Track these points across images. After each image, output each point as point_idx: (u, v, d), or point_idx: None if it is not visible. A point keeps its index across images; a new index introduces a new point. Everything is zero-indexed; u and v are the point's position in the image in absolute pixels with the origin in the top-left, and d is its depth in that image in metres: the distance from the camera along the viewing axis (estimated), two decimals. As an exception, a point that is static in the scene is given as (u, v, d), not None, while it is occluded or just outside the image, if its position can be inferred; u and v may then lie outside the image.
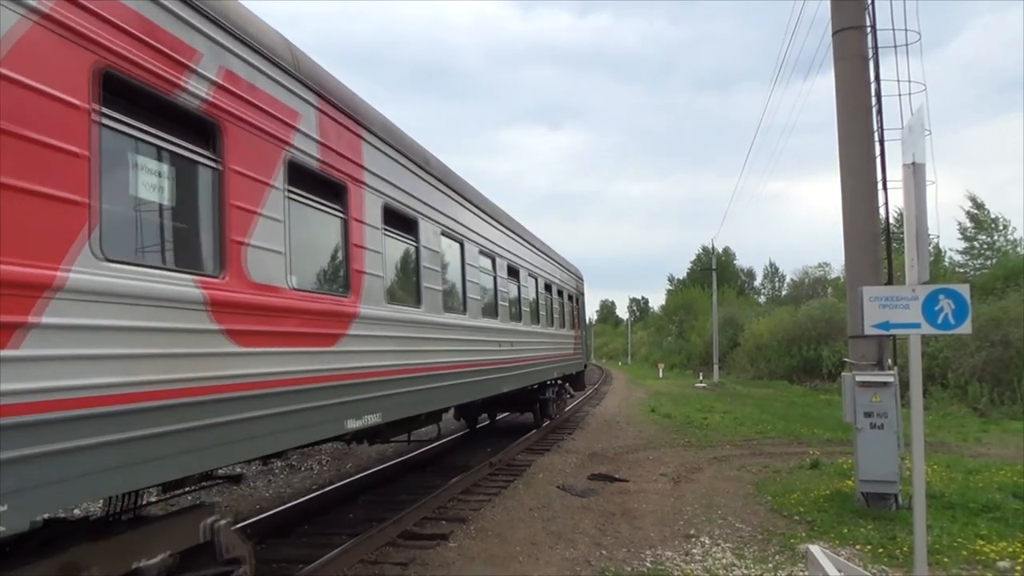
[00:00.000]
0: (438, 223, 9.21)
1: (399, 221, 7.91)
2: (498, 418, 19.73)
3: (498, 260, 12.38)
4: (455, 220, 9.97)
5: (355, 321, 6.51)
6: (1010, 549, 7.97)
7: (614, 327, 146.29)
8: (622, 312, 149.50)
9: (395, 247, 7.89)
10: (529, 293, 14.99)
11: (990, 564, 7.58)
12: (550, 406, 18.68)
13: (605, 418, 22.92)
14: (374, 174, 7.15)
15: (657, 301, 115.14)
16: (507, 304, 12.82)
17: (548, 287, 17.22)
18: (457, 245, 10.19)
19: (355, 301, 6.59)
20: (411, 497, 10.18)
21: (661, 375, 53.32)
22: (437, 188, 9.18)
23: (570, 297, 20.83)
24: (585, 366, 24.20)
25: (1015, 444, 16.43)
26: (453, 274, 10.02)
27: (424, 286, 8.49)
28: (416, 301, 8.33)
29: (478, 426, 18.36)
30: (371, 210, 7.06)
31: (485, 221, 11.70)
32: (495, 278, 12.18)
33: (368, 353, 6.78)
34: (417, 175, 8.46)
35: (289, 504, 9.75)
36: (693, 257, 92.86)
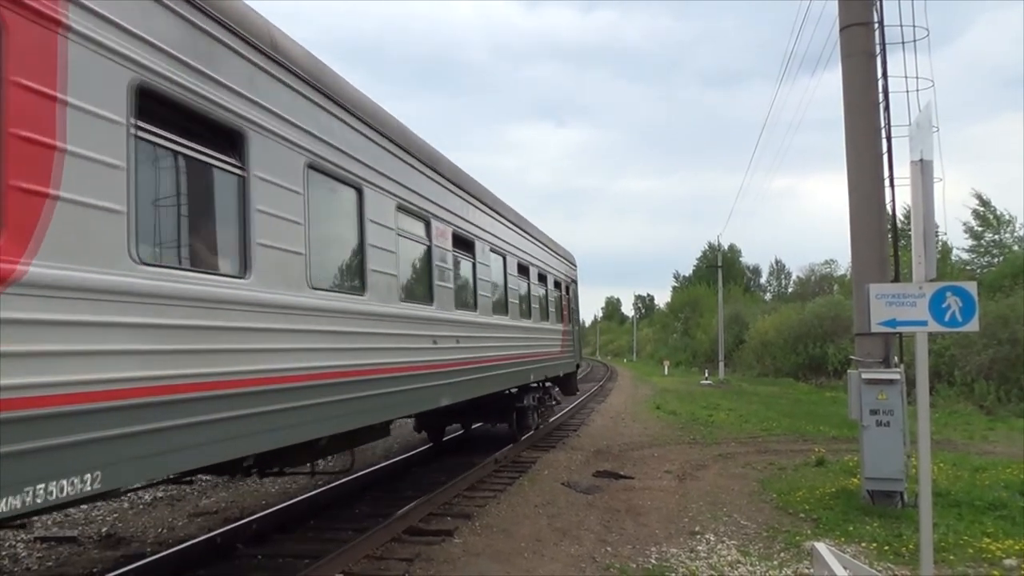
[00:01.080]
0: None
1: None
2: (474, 427, 16.10)
3: (436, 224, 9.19)
4: (341, 150, 6.67)
5: None
6: (1016, 547, 7.94)
7: (619, 324, 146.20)
8: (627, 309, 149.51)
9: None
10: (491, 274, 11.73)
11: (996, 562, 7.56)
12: (529, 416, 15.29)
13: (610, 415, 22.92)
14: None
15: (663, 298, 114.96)
16: (450, 287, 9.59)
17: (523, 269, 13.98)
18: (352, 192, 6.91)
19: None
20: (416, 493, 10.20)
21: (666, 372, 53.26)
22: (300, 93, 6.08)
23: (557, 284, 17.42)
24: (577, 366, 20.78)
25: (1022, 442, 16.37)
26: (340, 235, 6.89)
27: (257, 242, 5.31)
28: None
29: (446, 439, 15.21)
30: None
31: (409, 165, 8.33)
32: (431, 249, 9.01)
33: None
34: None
35: (295, 500, 9.78)
36: (699, 254, 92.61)
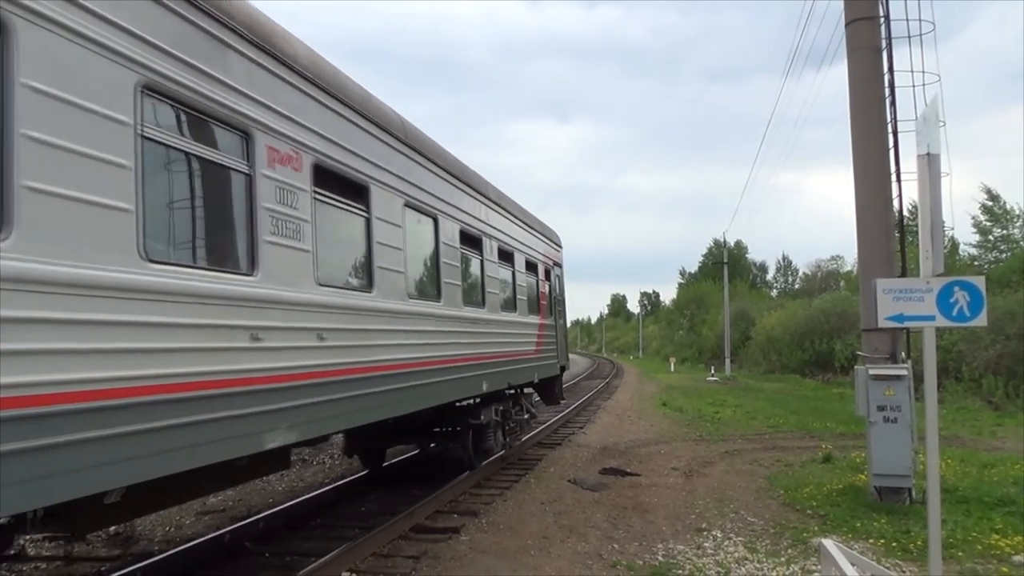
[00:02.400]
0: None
1: None
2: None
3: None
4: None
5: None
6: (1025, 543, 7.91)
7: (625, 321, 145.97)
8: (633, 306, 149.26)
9: None
10: (402, 239, 7.90)
11: (1005, 558, 7.53)
12: (490, 436, 11.53)
13: (616, 412, 22.90)
14: None
15: (668, 295, 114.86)
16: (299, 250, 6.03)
17: (471, 240, 10.36)
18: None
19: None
20: (423, 491, 10.21)
21: (672, 369, 53.18)
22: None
23: (530, 267, 13.68)
24: (562, 369, 16.35)
25: (1030, 438, 16.29)
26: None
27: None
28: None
29: (386, 464, 12.11)
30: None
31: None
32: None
33: None
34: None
35: (302, 498, 9.80)
36: (705, 250, 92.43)
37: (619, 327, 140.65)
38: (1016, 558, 7.51)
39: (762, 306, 58.54)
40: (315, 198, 6.13)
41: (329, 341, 6.11)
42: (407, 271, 7.97)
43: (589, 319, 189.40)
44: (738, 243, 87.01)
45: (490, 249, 11.12)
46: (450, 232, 9.46)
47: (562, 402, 18.43)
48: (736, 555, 7.76)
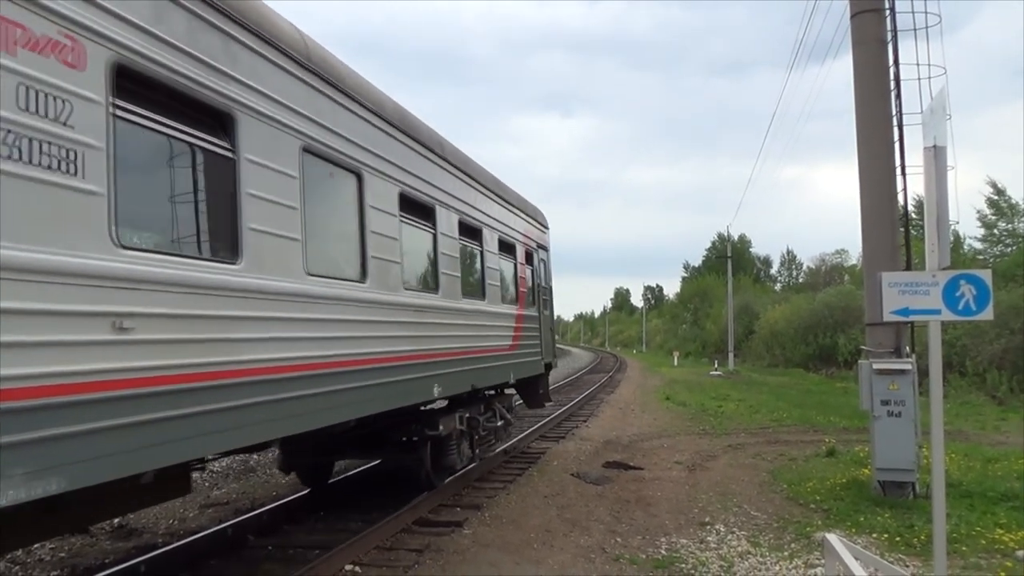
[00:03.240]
0: None
1: None
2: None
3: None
4: None
5: None
6: (1030, 538, 7.89)
7: (629, 315, 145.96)
8: (637, 300, 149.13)
9: None
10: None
11: (1009, 553, 7.51)
12: (453, 449, 9.58)
13: (620, 405, 22.90)
14: None
15: (672, 289, 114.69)
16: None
17: (424, 211, 8.45)
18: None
19: None
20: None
21: (676, 363, 53.21)
22: None
23: (507, 248, 11.52)
24: (548, 367, 14.25)
25: (1035, 432, 16.26)
26: None
27: None
28: None
29: (332, 481, 10.32)
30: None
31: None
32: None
33: None
34: None
35: (305, 491, 9.81)
36: (708, 244, 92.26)
37: (622, 321, 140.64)
38: (1020, 553, 7.49)
39: (766, 300, 58.47)
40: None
41: (137, 333, 4.10)
42: (306, 239, 5.77)
43: (592, 313, 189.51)
44: (742, 237, 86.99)
45: (447, 222, 8.93)
46: (383, 194, 7.20)
47: (548, 404, 15.77)
48: (739, 549, 7.76)
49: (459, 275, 9.24)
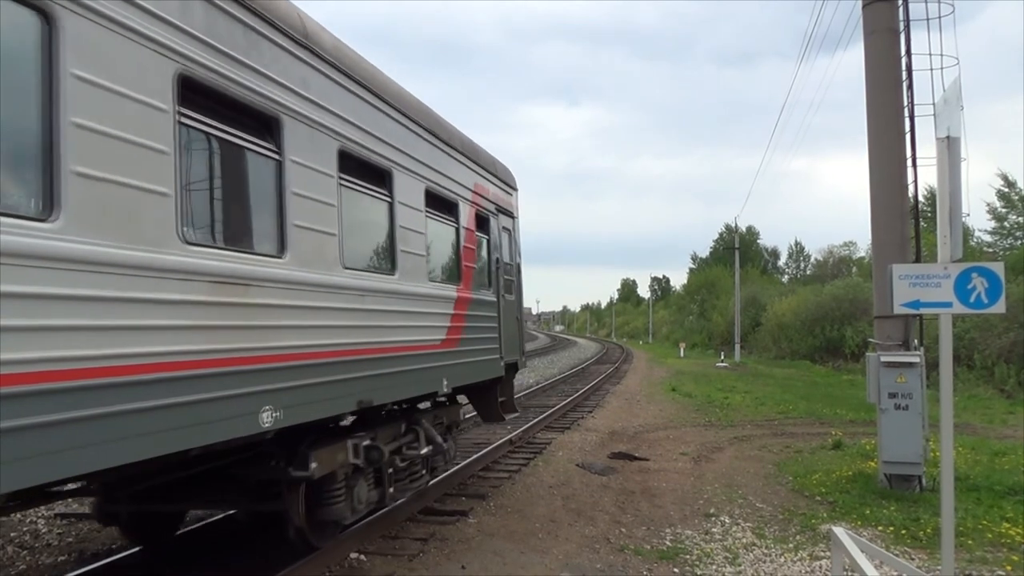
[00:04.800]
0: None
1: None
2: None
3: None
4: None
5: None
6: (1037, 532, 7.86)
7: (635, 306, 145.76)
8: (643, 291, 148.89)
9: None
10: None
11: (1015, 547, 7.48)
12: (336, 496, 6.50)
13: (626, 396, 22.89)
14: None
15: (679, 280, 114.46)
16: None
17: (252, 124, 5.11)
18: None
19: None
20: (431, 473, 10.22)
21: (682, 354, 53.09)
22: None
23: (447, 207, 8.59)
24: (514, 368, 11.04)
25: (1043, 426, 16.19)
26: None
27: None
28: None
29: (182, 532, 7.62)
30: None
31: None
32: None
33: None
34: None
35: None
36: (716, 236, 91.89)
37: (629, 312, 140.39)
38: (1027, 547, 7.46)
39: (773, 292, 58.26)
40: None
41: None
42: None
43: (599, 304, 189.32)
44: (750, 228, 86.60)
45: (310, 146, 5.62)
46: (147, 79, 4.10)
47: (512, 416, 11.46)
48: (744, 541, 7.75)
49: (333, 233, 5.87)
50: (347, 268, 6.06)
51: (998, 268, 5.28)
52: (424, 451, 7.99)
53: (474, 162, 9.49)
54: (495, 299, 10.03)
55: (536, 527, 8.23)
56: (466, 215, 9.07)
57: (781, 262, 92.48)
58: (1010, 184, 38.53)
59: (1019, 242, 37.55)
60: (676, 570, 6.93)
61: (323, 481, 6.26)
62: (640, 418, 17.72)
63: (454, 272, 8.69)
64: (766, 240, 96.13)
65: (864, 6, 10.93)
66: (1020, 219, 38.48)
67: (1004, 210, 38.85)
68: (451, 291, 8.41)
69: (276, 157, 5.22)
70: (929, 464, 9.84)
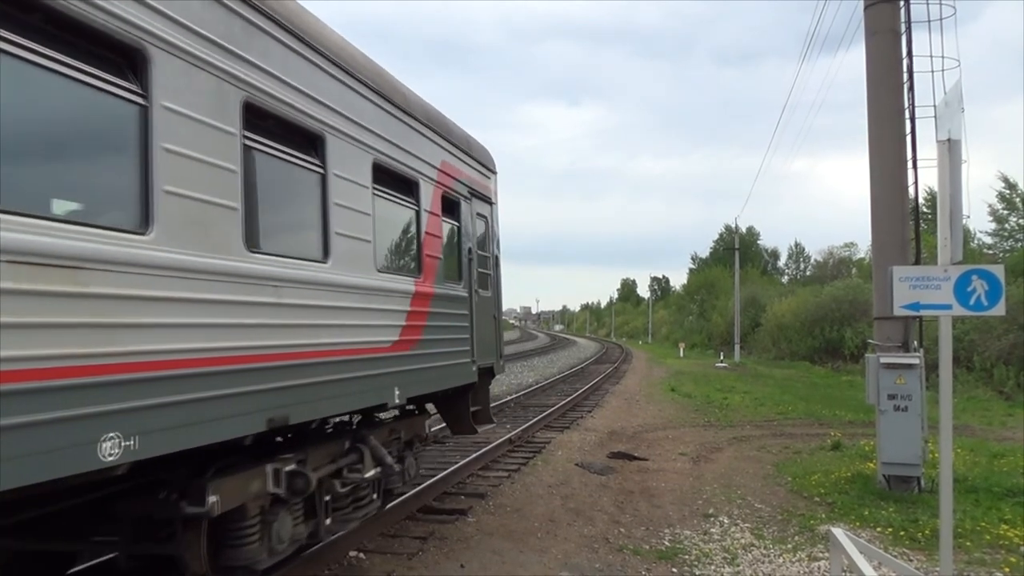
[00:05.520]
0: None
1: None
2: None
3: None
4: None
5: None
6: (1035, 534, 7.87)
7: (635, 306, 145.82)
8: (643, 291, 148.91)
9: None
10: None
11: (1014, 549, 7.49)
12: (250, 534, 5.14)
13: (625, 396, 22.90)
14: None
15: (679, 280, 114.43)
16: None
17: (121, 59, 3.83)
18: None
19: None
20: (430, 471, 10.24)
21: (682, 354, 53.11)
22: None
23: (394, 182, 7.02)
24: (490, 374, 9.76)
25: (1042, 429, 16.20)
26: None
27: None
28: None
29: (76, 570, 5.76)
30: None
31: None
32: None
33: None
34: None
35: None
36: (716, 236, 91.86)
37: (629, 312, 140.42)
38: (1025, 549, 7.47)
39: (773, 292, 58.28)
40: None
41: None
42: None
43: (599, 303, 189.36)
44: (750, 229, 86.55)
45: (202, 97, 4.43)
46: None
47: (486, 427, 9.98)
48: (743, 541, 7.76)
49: (232, 207, 4.60)
50: (254, 252, 4.71)
51: (998, 271, 5.29)
52: (369, 474, 6.65)
53: (442, 137, 8.20)
54: (466, 295, 8.72)
55: (535, 526, 8.24)
56: (429, 197, 7.73)
57: (781, 263, 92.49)
58: (1011, 186, 38.54)
59: (1019, 244, 37.59)
60: (675, 570, 6.94)
61: (231, 517, 4.99)
62: (639, 418, 17.73)
63: (412, 262, 7.39)
64: (766, 241, 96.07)
65: (866, 7, 10.94)
66: (1021, 221, 38.51)
67: (1005, 212, 38.89)
68: (407, 284, 7.05)
69: (142, 102, 3.90)
70: (928, 465, 9.85)
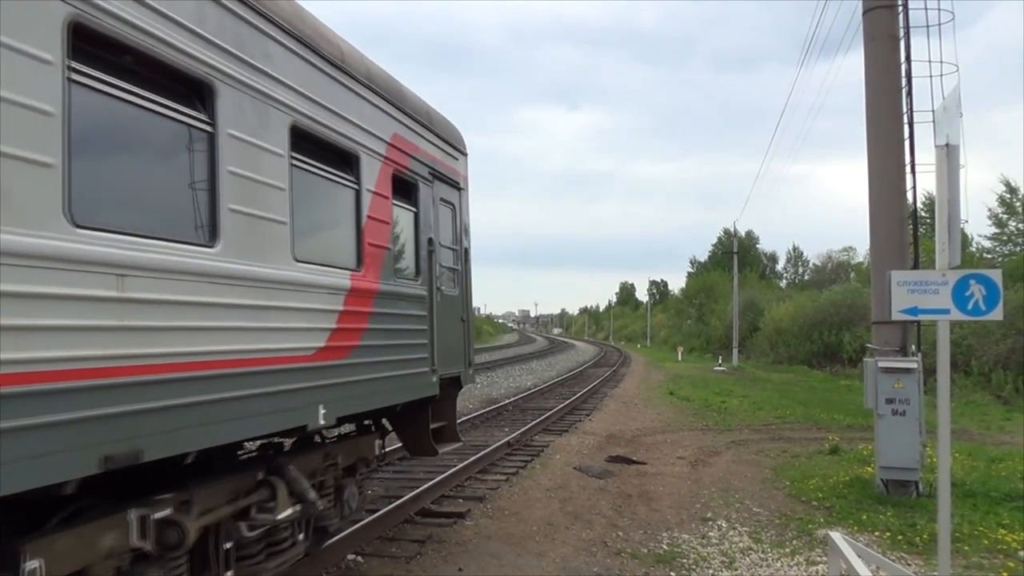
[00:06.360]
0: None
1: None
2: None
3: None
4: None
5: None
6: (1033, 539, 7.88)
7: (633, 310, 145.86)
8: (641, 295, 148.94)
9: None
10: None
11: (1011, 553, 7.50)
12: None
13: (623, 400, 22.89)
14: None
15: (677, 284, 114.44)
16: None
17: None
18: None
19: None
20: (428, 475, 10.24)
21: (680, 358, 53.12)
22: None
23: (326, 154, 5.78)
24: (456, 384, 8.48)
25: (1039, 433, 16.21)
26: None
27: None
28: None
29: None
30: None
31: None
32: None
33: None
34: None
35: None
36: (715, 240, 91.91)
37: (627, 315, 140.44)
38: (1022, 553, 7.48)
39: (771, 297, 58.32)
40: None
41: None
42: None
43: (597, 307, 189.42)
44: (749, 233, 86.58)
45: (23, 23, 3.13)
46: None
47: (450, 448, 8.54)
48: (741, 545, 7.76)
49: (46, 163, 3.28)
50: (81, 228, 3.42)
51: (996, 275, 5.31)
52: (282, 515, 5.26)
53: (393, 105, 6.87)
54: (425, 293, 7.42)
55: (533, 530, 8.24)
56: (375, 175, 6.47)
57: (779, 267, 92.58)
58: (1012, 190, 38.60)
59: (1019, 248, 37.66)
60: (673, 574, 6.94)
61: None
62: (638, 422, 17.72)
63: (347, 252, 6.10)
64: (765, 245, 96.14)
65: (864, 12, 10.98)
66: (1020, 225, 38.57)
67: (1005, 216, 38.95)
68: (340, 279, 5.80)
69: None
70: (926, 470, 9.86)
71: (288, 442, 6.04)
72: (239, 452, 5.55)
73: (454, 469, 10.48)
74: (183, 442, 4.09)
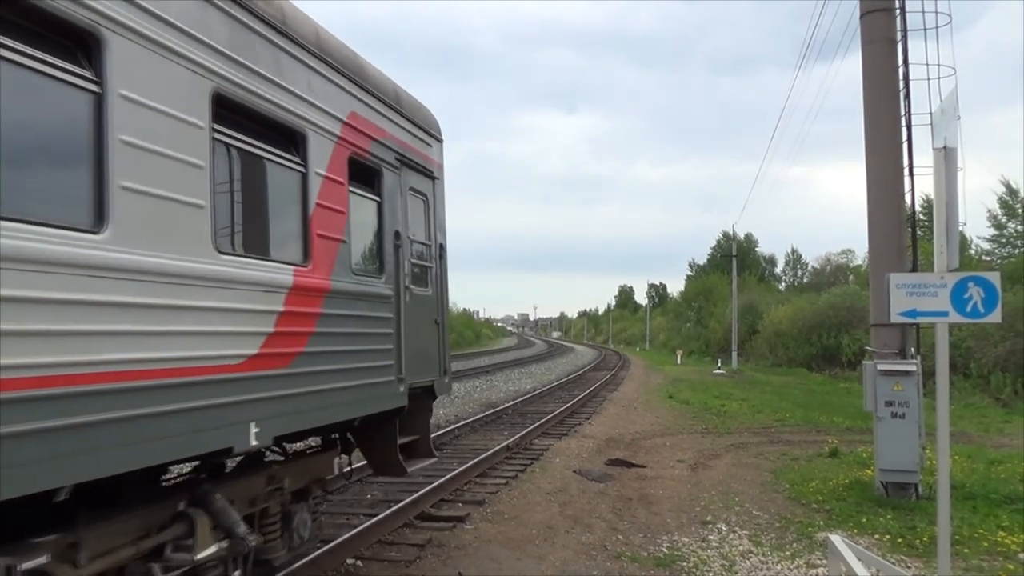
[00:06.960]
0: None
1: None
2: None
3: None
4: None
5: None
6: (1033, 541, 7.88)
7: (632, 313, 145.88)
8: (640, 298, 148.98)
9: None
10: None
11: (1011, 556, 7.50)
12: None
13: (623, 403, 22.88)
14: None
15: (676, 287, 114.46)
16: None
17: None
18: None
19: None
20: (428, 479, 10.23)
21: (679, 361, 53.13)
22: None
23: (280, 138, 5.19)
24: (429, 395, 7.67)
25: (1039, 435, 16.22)
26: None
27: None
28: None
29: None
30: None
31: None
32: None
33: None
34: None
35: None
36: (714, 243, 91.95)
37: (626, 319, 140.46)
38: (1022, 555, 7.48)
39: (770, 299, 58.33)
40: None
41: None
42: None
43: (597, 310, 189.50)
44: (748, 236, 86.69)
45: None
46: None
47: (423, 464, 7.78)
48: (741, 548, 7.76)
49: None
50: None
51: (994, 278, 5.31)
52: (203, 554, 4.51)
53: (349, 80, 6.07)
54: (390, 292, 6.61)
55: (533, 533, 8.23)
56: (326, 157, 5.68)
57: (778, 269, 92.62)
58: (1012, 192, 38.62)
59: (1017, 250, 37.69)
60: (673, 577, 6.93)
61: None
62: (637, 425, 17.72)
63: (290, 244, 5.32)
64: (764, 247, 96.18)
65: (862, 16, 11.00)
66: (1020, 228, 38.61)
67: (1004, 218, 38.99)
68: (280, 274, 5.00)
69: None
70: (925, 472, 9.86)
71: (232, 463, 5.28)
72: (163, 477, 4.86)
73: (454, 473, 10.47)
74: (44, 478, 3.16)
